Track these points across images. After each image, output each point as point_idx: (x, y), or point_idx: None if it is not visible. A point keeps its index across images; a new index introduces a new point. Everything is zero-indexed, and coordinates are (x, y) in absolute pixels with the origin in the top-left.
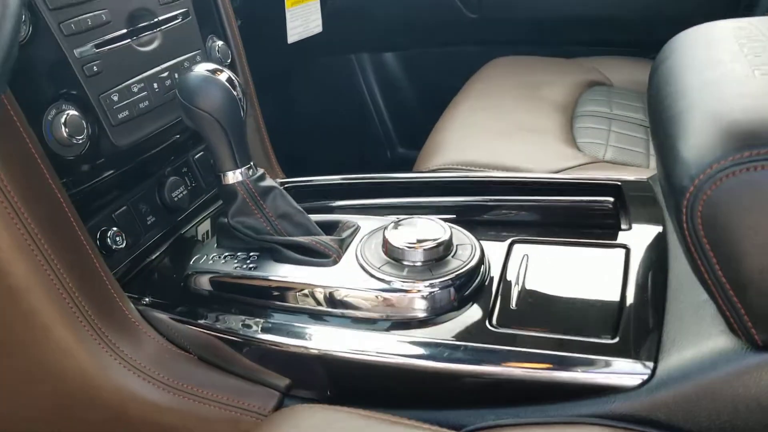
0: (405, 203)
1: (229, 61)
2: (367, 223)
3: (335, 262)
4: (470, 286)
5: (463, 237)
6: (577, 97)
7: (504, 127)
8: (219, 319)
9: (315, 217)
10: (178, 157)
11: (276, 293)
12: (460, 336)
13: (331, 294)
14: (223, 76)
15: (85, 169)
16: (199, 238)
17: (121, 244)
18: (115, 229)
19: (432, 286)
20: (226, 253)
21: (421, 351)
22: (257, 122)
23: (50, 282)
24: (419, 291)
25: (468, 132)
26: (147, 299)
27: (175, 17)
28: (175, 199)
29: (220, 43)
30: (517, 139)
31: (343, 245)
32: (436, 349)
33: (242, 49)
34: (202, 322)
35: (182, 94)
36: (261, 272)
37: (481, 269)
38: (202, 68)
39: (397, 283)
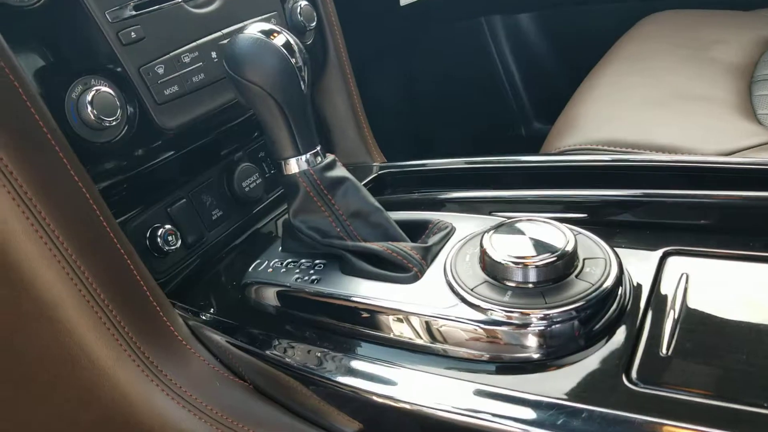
0: (520, 197)
1: (313, 24)
2: (464, 225)
3: (416, 278)
4: (601, 320)
5: (593, 247)
6: (757, 58)
7: (659, 96)
8: (280, 347)
9: (399, 215)
10: (250, 140)
11: (343, 315)
12: (583, 393)
13: (410, 321)
14: (279, 39)
15: (124, 157)
16: (281, 235)
17: (175, 244)
18: (168, 226)
19: (546, 318)
20: (289, 260)
21: (528, 414)
22: (351, 98)
23: (79, 294)
24: (527, 325)
25: (612, 102)
26: (206, 315)
27: None
28: (247, 189)
29: (303, 3)
30: (675, 110)
31: (428, 255)
32: (547, 414)
33: (333, 11)
34: (263, 351)
35: (228, 62)
36: (323, 287)
37: (618, 294)
38: (253, 30)
39: (497, 313)
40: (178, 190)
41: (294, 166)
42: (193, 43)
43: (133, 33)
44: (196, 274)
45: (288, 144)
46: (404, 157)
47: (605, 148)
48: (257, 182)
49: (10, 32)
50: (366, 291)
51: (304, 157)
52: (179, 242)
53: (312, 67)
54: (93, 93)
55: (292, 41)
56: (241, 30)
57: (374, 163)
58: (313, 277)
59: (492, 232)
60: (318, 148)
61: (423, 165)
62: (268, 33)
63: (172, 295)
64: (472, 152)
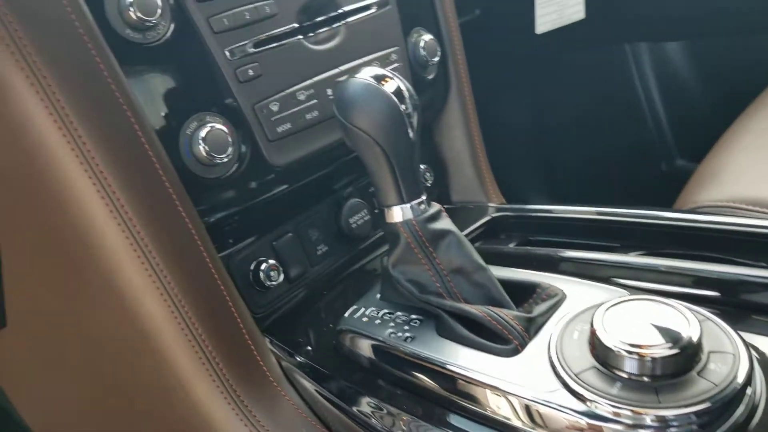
0: (645, 265)
1: (436, 59)
2: (577, 293)
3: (516, 352)
4: (726, 425)
5: (722, 337)
6: None
7: None
8: (369, 406)
9: (505, 274)
10: (361, 175)
11: (435, 381)
12: None
13: (507, 400)
14: (390, 85)
15: (233, 192)
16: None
17: (277, 279)
18: (272, 261)
19: (660, 420)
20: (385, 310)
21: None
22: (470, 134)
23: (178, 327)
24: (638, 426)
25: (765, 152)
26: (299, 356)
27: (367, 6)
28: (354, 225)
29: (428, 37)
30: None
31: (531, 326)
32: None
33: (459, 45)
34: (351, 408)
35: (337, 106)
36: (417, 347)
37: (746, 394)
38: (365, 74)
39: (604, 407)
40: (284, 224)
41: (397, 214)
42: (310, 81)
43: (250, 71)
44: (295, 310)
45: (392, 192)
46: (530, 192)
47: (751, 208)
48: (365, 219)
49: (132, 69)
50: (461, 360)
51: (408, 206)
52: (281, 277)
53: (432, 102)
54: (207, 130)
55: (403, 87)
56: (357, 69)
57: (490, 204)
58: (408, 334)
59: (605, 309)
60: (423, 197)
61: (542, 211)
62: (379, 78)
63: (269, 330)
64: (604, 190)
